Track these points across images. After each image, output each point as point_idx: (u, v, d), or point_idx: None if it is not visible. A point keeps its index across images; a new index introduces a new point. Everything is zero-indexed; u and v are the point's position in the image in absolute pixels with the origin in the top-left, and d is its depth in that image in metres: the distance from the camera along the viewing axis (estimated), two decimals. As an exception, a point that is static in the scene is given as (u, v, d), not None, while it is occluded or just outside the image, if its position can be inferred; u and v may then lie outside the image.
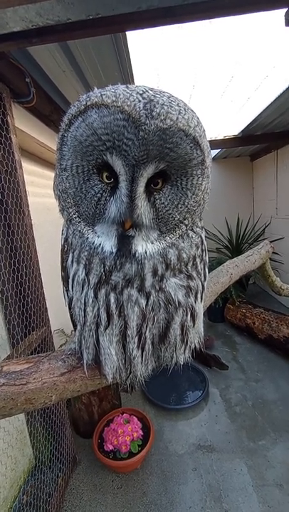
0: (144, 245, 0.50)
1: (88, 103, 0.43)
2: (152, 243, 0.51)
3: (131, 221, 0.47)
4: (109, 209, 0.49)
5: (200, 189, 0.50)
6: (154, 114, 0.40)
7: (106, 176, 0.48)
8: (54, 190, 0.54)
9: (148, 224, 0.50)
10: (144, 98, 0.41)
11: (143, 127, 0.41)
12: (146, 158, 0.43)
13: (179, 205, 0.51)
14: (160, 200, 0.50)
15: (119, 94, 0.41)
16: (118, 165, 0.45)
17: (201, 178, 0.50)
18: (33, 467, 1.84)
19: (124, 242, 0.49)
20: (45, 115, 1.97)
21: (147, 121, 0.40)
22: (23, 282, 1.54)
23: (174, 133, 0.42)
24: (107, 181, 0.48)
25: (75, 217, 0.53)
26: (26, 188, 1.58)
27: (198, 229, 0.56)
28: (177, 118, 0.42)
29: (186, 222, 0.52)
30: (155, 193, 0.49)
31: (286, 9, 1.12)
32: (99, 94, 0.43)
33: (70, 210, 0.53)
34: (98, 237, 0.51)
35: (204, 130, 0.47)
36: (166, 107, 0.41)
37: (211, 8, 1.08)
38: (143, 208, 0.48)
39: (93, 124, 0.43)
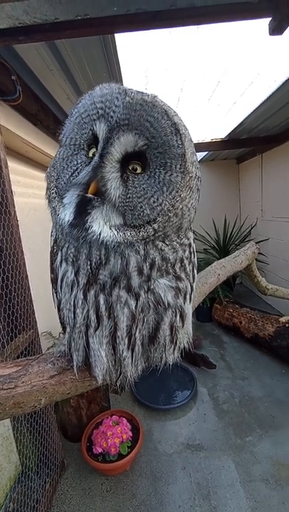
0: (102, 225, 0.48)
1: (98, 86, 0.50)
2: (110, 228, 0.48)
3: (96, 184, 0.47)
4: (80, 174, 0.50)
5: (179, 194, 0.49)
6: (143, 93, 0.48)
7: (93, 153, 0.50)
8: (48, 177, 0.55)
9: (113, 200, 0.48)
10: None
11: (131, 95, 0.47)
12: (127, 122, 0.46)
13: (152, 200, 0.49)
14: (133, 182, 0.49)
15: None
16: (101, 129, 0.47)
17: (180, 177, 0.49)
18: (20, 474, 1.79)
19: (82, 212, 0.48)
20: (32, 114, 1.94)
21: (134, 95, 0.47)
22: (9, 284, 1.50)
23: (156, 107, 0.47)
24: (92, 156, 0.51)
25: (53, 193, 0.53)
26: (12, 187, 1.55)
27: (175, 243, 0.53)
28: (162, 103, 0.48)
29: (155, 226, 0.48)
30: (130, 174, 0.49)
31: (270, 19, 1.16)
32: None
33: (52, 185, 0.53)
34: (64, 208, 0.50)
35: (187, 129, 0.50)
36: (155, 97, 0.48)
37: (198, 15, 1.11)
38: (112, 177, 0.48)
39: (93, 94, 0.50)
